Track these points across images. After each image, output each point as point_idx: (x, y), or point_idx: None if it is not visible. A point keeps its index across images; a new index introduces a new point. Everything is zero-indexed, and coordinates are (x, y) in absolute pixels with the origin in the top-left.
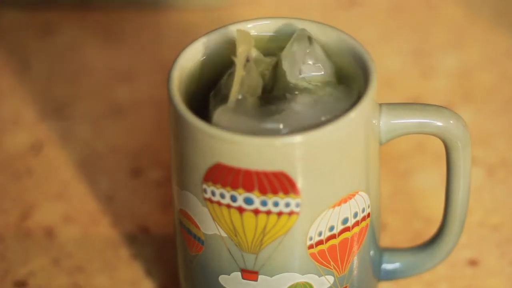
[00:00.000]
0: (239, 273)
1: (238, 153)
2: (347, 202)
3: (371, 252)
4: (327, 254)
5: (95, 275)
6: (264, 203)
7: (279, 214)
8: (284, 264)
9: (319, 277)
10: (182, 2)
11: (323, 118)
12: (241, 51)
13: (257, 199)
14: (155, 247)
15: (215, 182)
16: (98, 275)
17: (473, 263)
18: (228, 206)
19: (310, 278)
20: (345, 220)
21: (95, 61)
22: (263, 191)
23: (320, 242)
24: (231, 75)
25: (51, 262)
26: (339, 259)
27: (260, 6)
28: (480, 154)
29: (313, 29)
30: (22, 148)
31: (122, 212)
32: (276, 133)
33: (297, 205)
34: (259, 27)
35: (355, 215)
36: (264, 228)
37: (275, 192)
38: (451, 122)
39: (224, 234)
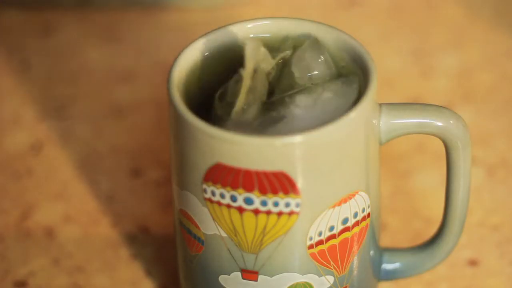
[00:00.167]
0: (239, 273)
1: (238, 153)
2: (347, 202)
3: (371, 252)
4: (327, 254)
5: (95, 275)
6: (264, 203)
7: (279, 214)
8: (284, 264)
9: (319, 277)
10: (182, 2)
11: (323, 118)
12: (250, 64)
13: (257, 199)
14: (155, 247)
15: (215, 182)
16: (98, 275)
17: (473, 263)
18: (228, 206)
19: (310, 278)
20: (345, 220)
21: (95, 61)
22: (263, 191)
23: (320, 242)
24: (238, 82)
25: (51, 262)
26: (339, 259)
27: (260, 6)
28: (480, 154)
29: (313, 29)
30: (22, 148)
31: (122, 212)
32: None
33: (297, 205)
34: (259, 27)
35: (355, 215)
36: (264, 228)
37: (275, 192)
38: (451, 122)
39: (224, 234)
